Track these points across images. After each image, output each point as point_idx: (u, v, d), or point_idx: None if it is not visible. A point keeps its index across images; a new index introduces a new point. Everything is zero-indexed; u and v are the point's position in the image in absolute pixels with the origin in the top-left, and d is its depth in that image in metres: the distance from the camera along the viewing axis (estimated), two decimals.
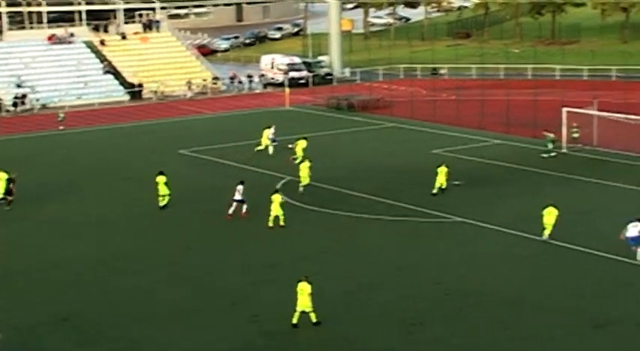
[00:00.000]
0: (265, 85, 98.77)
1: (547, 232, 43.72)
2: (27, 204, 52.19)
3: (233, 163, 61.46)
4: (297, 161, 57.82)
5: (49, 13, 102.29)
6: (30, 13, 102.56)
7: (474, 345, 33.35)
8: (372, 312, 36.16)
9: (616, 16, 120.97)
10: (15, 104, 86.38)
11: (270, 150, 63.45)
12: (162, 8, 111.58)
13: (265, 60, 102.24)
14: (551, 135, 61.38)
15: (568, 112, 63.28)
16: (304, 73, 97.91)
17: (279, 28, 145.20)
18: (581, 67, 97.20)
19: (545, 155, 60.82)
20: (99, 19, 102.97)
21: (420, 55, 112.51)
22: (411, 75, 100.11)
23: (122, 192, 55.44)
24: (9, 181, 52.60)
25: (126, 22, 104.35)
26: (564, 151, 62.38)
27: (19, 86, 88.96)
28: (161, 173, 51.27)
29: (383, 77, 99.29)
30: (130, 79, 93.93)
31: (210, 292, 38.69)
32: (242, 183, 49.27)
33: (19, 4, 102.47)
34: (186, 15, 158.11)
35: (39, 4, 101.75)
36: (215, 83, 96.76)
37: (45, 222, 49.41)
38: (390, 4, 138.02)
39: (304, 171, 53.29)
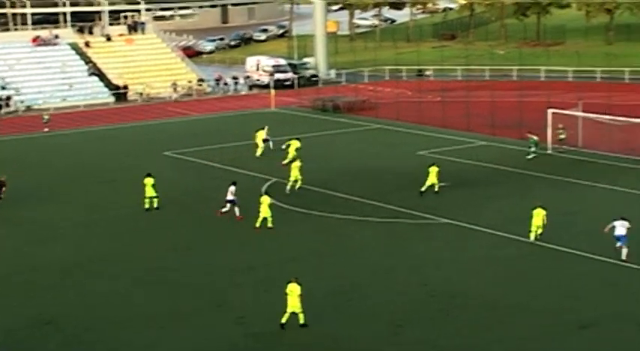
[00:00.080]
0: (251, 87, 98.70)
1: (532, 235, 43.78)
2: (9, 206, 52.01)
3: (218, 165, 61.36)
4: (287, 161, 57.84)
5: (33, 14, 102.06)
6: (14, 14, 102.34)
7: (460, 346, 33.35)
8: (359, 313, 36.14)
9: (600, 18, 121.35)
10: None
11: (259, 151, 63.48)
12: (148, 10, 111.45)
13: (250, 62, 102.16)
14: (535, 137, 61.47)
15: (553, 113, 63.41)
16: (290, 75, 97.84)
17: (265, 30, 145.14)
18: (566, 69, 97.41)
19: (529, 156, 60.92)
20: (84, 21, 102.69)
21: (406, 56, 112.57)
22: (397, 76, 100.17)
23: (106, 194, 55.26)
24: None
25: (111, 24, 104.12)
26: (549, 152, 62.49)
27: (3, 88, 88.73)
28: (149, 175, 51.16)
29: (368, 79, 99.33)
30: (115, 81, 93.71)
31: (196, 294, 38.58)
32: (234, 184, 49.22)
33: (4, 6, 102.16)
34: (172, 17, 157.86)
35: (23, 6, 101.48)
36: (200, 85, 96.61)
37: (25, 225, 49.19)
38: (376, 6, 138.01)
39: (294, 171, 53.33)
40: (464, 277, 39.91)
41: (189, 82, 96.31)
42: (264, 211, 46.72)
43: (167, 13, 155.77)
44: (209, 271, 41.35)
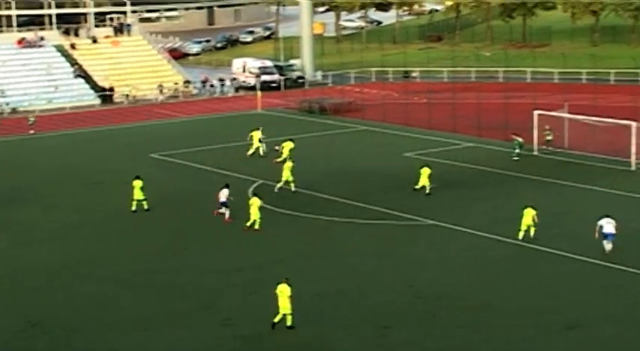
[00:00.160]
0: (237, 89, 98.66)
1: (521, 234, 43.96)
2: None
3: (205, 167, 61.31)
4: (280, 159, 57.98)
5: (18, 16, 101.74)
6: None
7: (447, 347, 33.41)
8: (346, 315, 36.14)
9: (586, 20, 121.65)
10: None
11: (251, 150, 63.77)
12: (134, 12, 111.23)
13: (237, 63, 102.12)
14: (519, 138, 61.63)
15: (539, 114, 63.57)
16: (276, 77, 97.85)
17: (251, 32, 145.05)
18: (552, 70, 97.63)
19: (515, 158, 61.08)
20: (69, 23, 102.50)
21: (392, 58, 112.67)
22: (383, 78, 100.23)
23: (92, 196, 55.14)
24: None
25: (97, 26, 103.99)
26: (535, 153, 62.64)
27: None
28: (137, 178, 51.09)
29: (355, 80, 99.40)
30: (101, 83, 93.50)
31: (183, 296, 38.54)
32: (227, 186, 49.20)
33: None
34: (158, 18, 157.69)
35: (9, 8, 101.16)
36: (187, 87, 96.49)
37: (11, 227, 49.05)
38: (362, 8, 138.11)
39: (286, 172, 53.50)
40: (450, 279, 39.97)
41: (176, 84, 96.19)
42: (254, 213, 46.73)
43: (153, 15, 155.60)
44: (197, 273, 41.30)
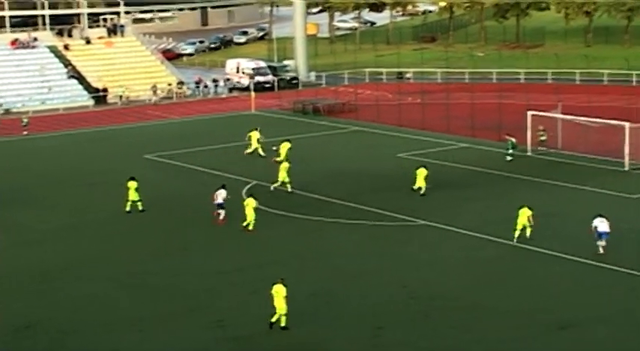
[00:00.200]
0: (231, 90, 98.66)
1: (516, 233, 44.04)
2: None
3: (199, 168, 61.29)
4: (280, 159, 58.07)
5: (12, 17, 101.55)
6: None
7: (440, 348, 33.45)
8: (339, 315, 36.16)
9: (579, 20, 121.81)
10: None
11: (249, 150, 63.97)
12: (127, 13, 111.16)
13: (231, 64, 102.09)
14: (513, 139, 61.74)
15: (533, 115, 63.63)
16: (270, 78, 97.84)
17: (245, 33, 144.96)
18: (546, 71, 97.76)
19: (509, 158, 61.17)
20: (63, 24, 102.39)
21: (386, 58, 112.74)
22: (377, 79, 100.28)
23: (86, 198, 55.11)
24: None
25: (90, 27, 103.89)
26: (529, 154, 62.71)
27: None
28: (132, 179, 51.06)
29: (348, 81, 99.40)
30: (94, 84, 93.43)
31: (176, 298, 38.53)
32: (224, 187, 49.18)
33: None
34: (151, 19, 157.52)
35: (1, 9, 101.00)
36: (180, 88, 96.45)
37: (5, 229, 48.95)
38: (356, 8, 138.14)
39: (282, 172, 53.59)
40: (443, 279, 40.01)
41: (169, 84, 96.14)
42: (250, 214, 46.74)
43: (147, 16, 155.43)
44: (191, 274, 41.29)
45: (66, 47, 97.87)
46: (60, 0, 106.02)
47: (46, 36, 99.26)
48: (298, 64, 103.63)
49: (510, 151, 61.33)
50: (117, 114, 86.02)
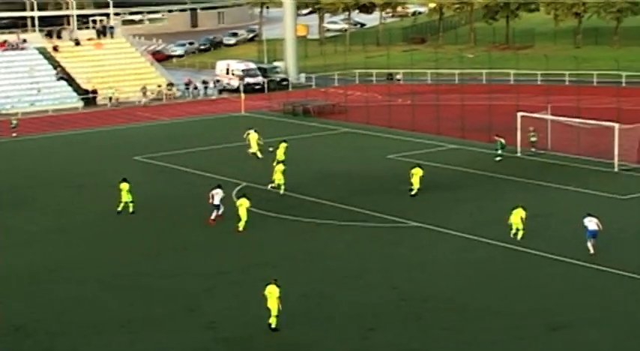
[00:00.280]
0: (221, 91, 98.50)
1: (512, 232, 44.10)
2: None
3: (189, 170, 61.17)
4: (281, 159, 58.13)
5: (0, 19, 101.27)
6: None
7: (431, 350, 33.39)
8: (330, 317, 36.10)
9: (569, 22, 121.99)
10: None
11: (254, 150, 64.03)
12: (116, 14, 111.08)
13: (220, 66, 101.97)
14: (502, 139, 61.81)
15: (522, 116, 63.67)
16: (260, 79, 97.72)
17: (234, 34, 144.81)
18: (535, 72, 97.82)
19: (498, 158, 61.29)
20: (52, 25, 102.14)
21: (376, 60, 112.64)
22: (367, 80, 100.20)
23: (75, 199, 54.96)
24: None
25: (79, 28, 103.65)
26: (519, 155, 62.74)
27: None
28: (124, 180, 50.95)
29: (338, 82, 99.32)
30: (84, 86, 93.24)
31: (167, 299, 38.42)
32: (219, 187, 49.07)
33: None
34: (141, 21, 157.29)
35: None
36: (170, 89, 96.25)
37: None
38: (345, 10, 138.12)
39: (277, 174, 53.64)
40: (434, 281, 39.98)
41: (159, 86, 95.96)
42: (243, 215, 46.68)
43: (136, 18, 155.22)
44: (180, 275, 41.19)
45: (55, 49, 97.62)
46: (49, 0, 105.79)
47: (35, 37, 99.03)
48: (288, 65, 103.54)
49: (499, 151, 61.42)
50: (106, 115, 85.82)
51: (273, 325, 34.54)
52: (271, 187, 54.08)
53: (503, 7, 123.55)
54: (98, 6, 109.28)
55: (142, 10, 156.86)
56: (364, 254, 43.62)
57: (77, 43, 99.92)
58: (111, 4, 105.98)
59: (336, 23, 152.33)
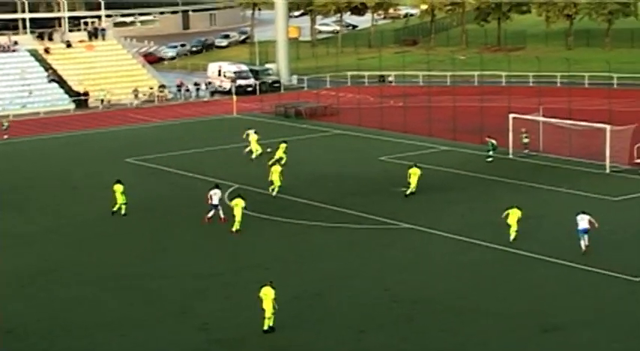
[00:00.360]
0: (212, 93, 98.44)
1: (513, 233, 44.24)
2: None
3: (181, 172, 61.13)
4: (283, 161, 58.07)
5: None
6: None
7: None
8: (322, 319, 36.12)
9: (560, 23, 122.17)
10: None
11: (257, 150, 64.20)
12: (108, 16, 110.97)
13: (212, 68, 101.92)
14: (493, 141, 61.93)
15: (514, 118, 63.75)
16: (251, 81, 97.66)
17: (226, 36, 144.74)
18: (527, 74, 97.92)
19: (489, 159, 61.39)
20: (43, 27, 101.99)
21: (367, 62, 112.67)
22: (359, 82, 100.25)
23: (68, 201, 54.91)
24: None
25: (71, 30, 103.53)
26: (511, 156, 62.82)
27: None
28: (118, 182, 50.92)
29: (330, 84, 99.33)
30: (75, 88, 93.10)
31: (160, 301, 38.41)
32: (217, 187, 49.10)
33: None
34: (132, 23, 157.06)
35: None
36: (162, 91, 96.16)
37: None
38: (337, 12, 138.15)
39: (274, 175, 53.73)
40: (426, 282, 40.00)
41: (151, 88, 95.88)
42: (238, 214, 46.69)
43: (128, 19, 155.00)
44: (174, 277, 41.17)
45: (46, 51, 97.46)
46: (41, 1, 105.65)
47: (26, 39, 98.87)
48: (280, 67, 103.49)
49: (490, 152, 61.53)
50: (98, 118, 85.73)
51: (268, 326, 34.50)
52: (274, 191, 53.93)
53: (495, 8, 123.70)
54: (90, 8, 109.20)
55: (134, 12, 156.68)
56: (356, 256, 43.62)
57: (69, 45, 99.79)
58: (102, 6, 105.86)
59: (327, 25, 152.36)
